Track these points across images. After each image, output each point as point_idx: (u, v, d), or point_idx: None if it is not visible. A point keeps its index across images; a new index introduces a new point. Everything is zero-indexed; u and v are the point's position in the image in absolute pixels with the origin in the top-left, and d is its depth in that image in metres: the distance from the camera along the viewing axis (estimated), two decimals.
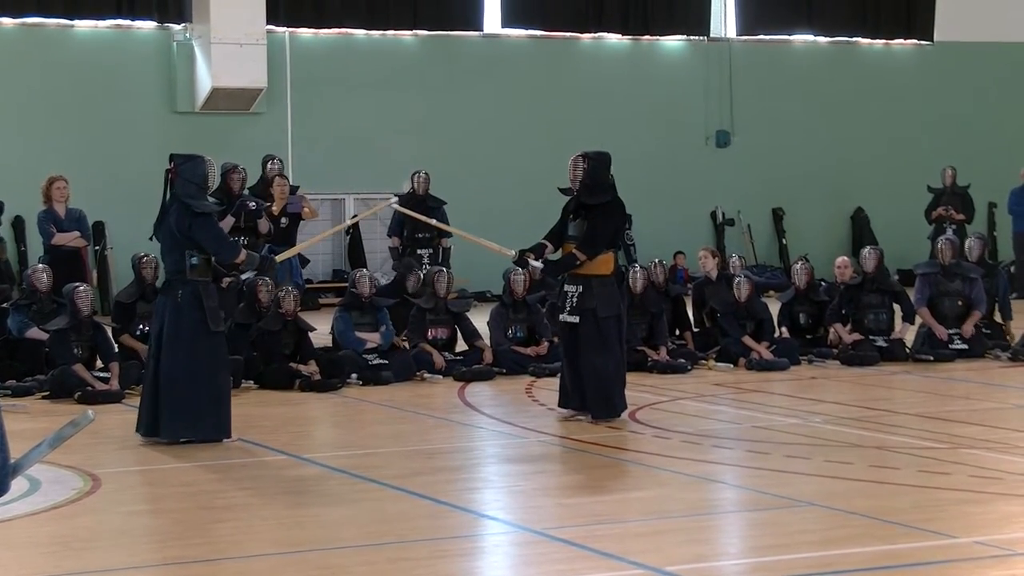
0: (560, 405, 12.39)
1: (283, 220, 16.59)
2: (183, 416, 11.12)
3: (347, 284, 16.03)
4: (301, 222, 17.15)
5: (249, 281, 15.08)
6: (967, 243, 16.98)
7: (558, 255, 12.39)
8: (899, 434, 11.38)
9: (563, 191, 12.47)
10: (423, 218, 15.25)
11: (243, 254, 11.59)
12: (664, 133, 26.32)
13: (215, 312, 11.33)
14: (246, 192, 16.70)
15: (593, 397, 11.99)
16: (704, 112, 26.69)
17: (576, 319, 12.03)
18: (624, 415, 12.09)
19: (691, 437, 11.28)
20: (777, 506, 8.75)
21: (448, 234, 17.41)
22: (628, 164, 25.76)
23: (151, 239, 11.84)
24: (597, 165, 12.12)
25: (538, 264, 12.30)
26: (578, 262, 12.02)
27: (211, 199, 16.04)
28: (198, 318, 11.21)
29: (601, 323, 11.96)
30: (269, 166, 17.40)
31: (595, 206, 12.05)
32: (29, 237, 21.33)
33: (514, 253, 12.32)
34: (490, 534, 8.52)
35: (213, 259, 11.44)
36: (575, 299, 12.05)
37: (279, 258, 12.77)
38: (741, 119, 26.77)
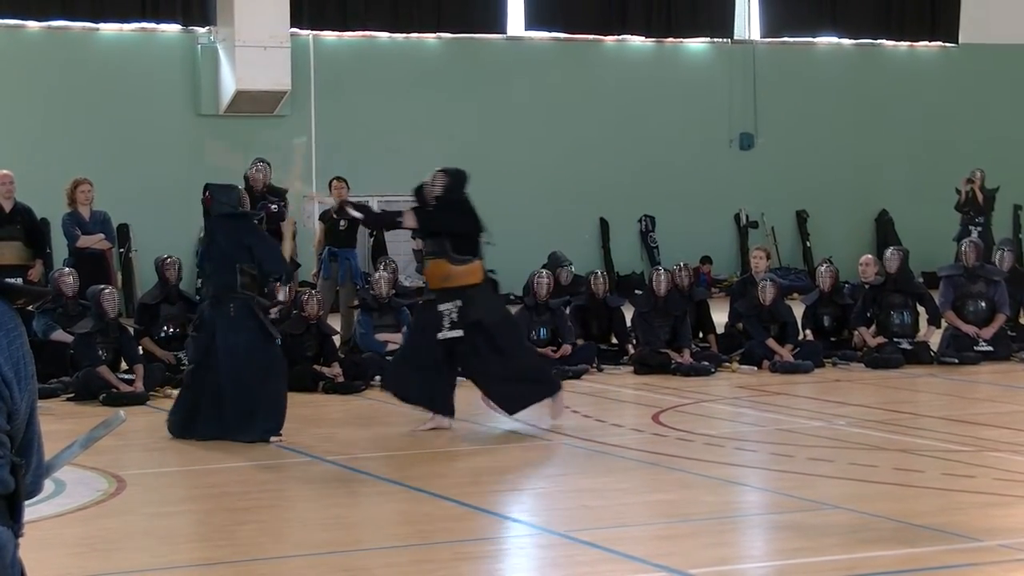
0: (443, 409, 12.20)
1: (342, 223, 16.70)
2: (244, 422, 11.35)
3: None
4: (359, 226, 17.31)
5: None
6: (997, 254, 16.84)
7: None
8: (924, 437, 11.35)
9: (416, 192, 12.41)
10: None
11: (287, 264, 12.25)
12: (688, 135, 26.29)
13: (270, 323, 11.93)
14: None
15: (500, 392, 12.02)
16: (728, 114, 26.65)
17: (460, 333, 11.81)
18: (557, 400, 12.04)
19: (715, 439, 11.26)
20: (801, 509, 8.73)
21: None
22: (652, 167, 26.00)
23: (198, 269, 12.37)
24: (454, 183, 12.10)
25: (358, 214, 12.60)
26: (399, 220, 12.25)
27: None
28: (254, 327, 11.57)
29: (492, 329, 11.86)
30: (258, 166, 17.27)
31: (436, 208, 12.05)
32: (54, 240, 21.39)
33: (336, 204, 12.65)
34: (513, 536, 8.52)
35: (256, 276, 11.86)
36: (455, 315, 11.83)
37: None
38: (765, 121, 26.72)
